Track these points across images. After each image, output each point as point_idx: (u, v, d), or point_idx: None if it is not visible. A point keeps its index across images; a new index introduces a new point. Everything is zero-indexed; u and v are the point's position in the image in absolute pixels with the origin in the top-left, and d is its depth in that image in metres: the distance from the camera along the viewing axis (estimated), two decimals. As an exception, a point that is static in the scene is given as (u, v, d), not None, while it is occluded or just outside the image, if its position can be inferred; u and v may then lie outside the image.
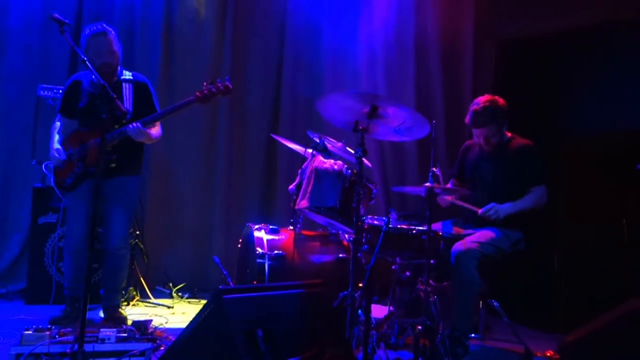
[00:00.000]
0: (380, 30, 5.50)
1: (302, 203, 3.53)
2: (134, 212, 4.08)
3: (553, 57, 5.24)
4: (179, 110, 3.80)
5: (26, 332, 2.96)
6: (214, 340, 2.46)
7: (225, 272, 4.16)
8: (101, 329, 3.06)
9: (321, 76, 5.50)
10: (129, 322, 3.67)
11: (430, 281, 3.29)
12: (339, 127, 3.39)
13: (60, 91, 4.38)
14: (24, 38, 5.00)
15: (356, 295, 3.05)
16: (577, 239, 4.78)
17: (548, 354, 3.43)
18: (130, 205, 3.97)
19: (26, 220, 4.68)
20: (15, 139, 4.91)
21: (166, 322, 4.05)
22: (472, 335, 3.59)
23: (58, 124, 3.91)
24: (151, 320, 3.47)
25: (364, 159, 3.16)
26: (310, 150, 3.77)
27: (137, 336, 3.10)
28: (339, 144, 3.69)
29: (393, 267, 3.51)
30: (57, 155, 3.77)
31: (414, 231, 3.37)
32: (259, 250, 3.77)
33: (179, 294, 4.97)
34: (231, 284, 4.13)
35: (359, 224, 3.15)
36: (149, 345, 3.07)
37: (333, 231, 4.08)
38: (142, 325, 3.24)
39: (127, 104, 3.79)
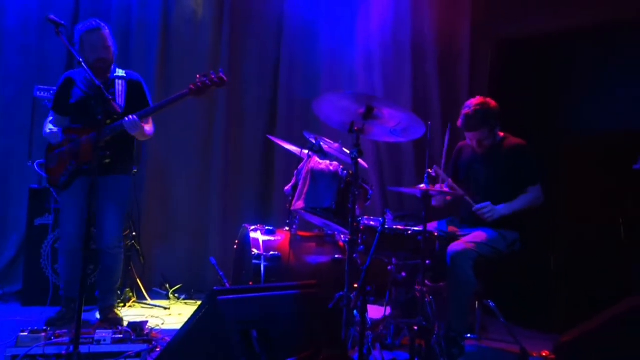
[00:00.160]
0: (376, 31, 5.50)
1: (298, 204, 3.53)
2: (127, 212, 4.07)
3: (550, 57, 5.25)
4: (173, 104, 3.80)
5: (22, 334, 2.96)
6: (209, 341, 2.46)
7: (221, 273, 4.17)
8: (97, 330, 3.06)
9: (318, 77, 5.50)
10: (125, 323, 3.67)
11: (426, 281, 3.29)
12: (335, 128, 3.39)
13: (42, 93, 4.39)
14: (21, 39, 5.00)
15: (352, 295, 3.05)
16: (573, 239, 4.79)
17: (544, 354, 3.44)
18: (123, 205, 3.95)
19: (22, 222, 4.68)
20: (12, 140, 4.90)
21: (162, 324, 4.04)
22: (468, 335, 3.60)
23: (51, 118, 3.91)
24: (147, 322, 3.47)
25: (359, 159, 3.16)
26: (306, 151, 3.78)
27: (133, 337, 3.10)
28: (336, 144, 3.69)
29: (389, 267, 3.51)
30: (54, 131, 3.75)
31: (410, 232, 3.37)
32: (255, 251, 3.77)
33: (176, 295, 4.97)
34: (227, 284, 4.13)
35: (355, 224, 3.15)
36: (144, 346, 3.07)
37: (329, 232, 4.08)
38: (138, 327, 3.24)
39: (120, 100, 3.79)
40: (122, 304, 4.49)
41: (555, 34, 5.14)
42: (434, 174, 3.37)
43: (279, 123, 5.47)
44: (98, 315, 3.95)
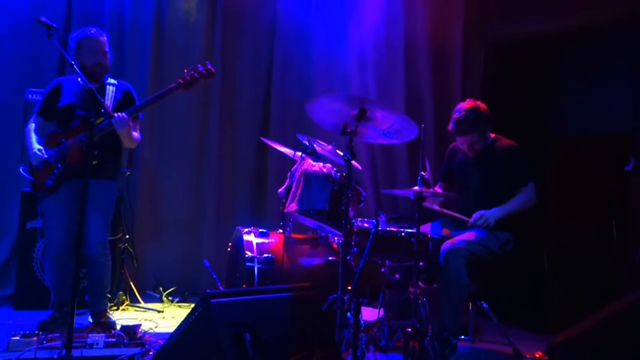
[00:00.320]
0: (369, 32, 5.51)
1: (292, 206, 3.53)
2: (112, 219, 4.03)
3: (543, 58, 5.26)
4: (162, 99, 3.81)
5: (14, 338, 2.95)
6: (203, 344, 2.45)
7: (214, 276, 4.16)
8: (89, 334, 3.05)
9: (311, 79, 5.50)
10: (118, 327, 3.65)
11: (420, 283, 3.29)
12: (329, 130, 3.39)
13: (34, 96, 4.37)
14: (12, 41, 4.97)
15: (345, 298, 3.05)
16: (566, 239, 4.80)
17: (537, 355, 3.44)
18: (108, 211, 3.90)
19: (14, 225, 4.66)
20: (3, 143, 4.87)
21: (156, 327, 4.02)
22: (462, 337, 3.60)
23: (33, 125, 3.88)
24: (140, 325, 3.47)
25: (353, 161, 3.16)
26: (299, 153, 3.78)
27: (125, 341, 3.10)
28: (329, 146, 3.69)
29: (382, 269, 3.52)
30: (39, 154, 3.72)
31: (403, 234, 3.38)
32: (249, 253, 3.77)
33: (169, 298, 4.95)
34: (221, 287, 4.13)
35: (348, 226, 3.15)
36: (137, 350, 3.06)
37: (322, 234, 4.08)
38: (131, 330, 3.23)
39: (109, 103, 3.80)
40: (115, 307, 4.47)
41: (548, 34, 5.15)
42: (427, 176, 3.37)
43: (272, 125, 5.47)
44: (90, 319, 3.92)
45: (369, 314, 3.56)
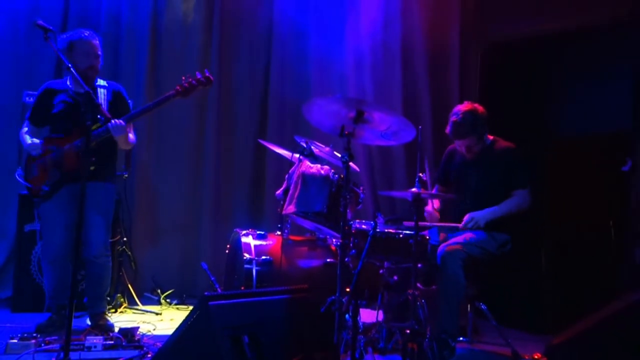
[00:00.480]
0: (366, 33, 5.50)
1: (290, 208, 3.53)
2: (112, 221, 4.03)
3: (540, 58, 5.27)
4: (160, 106, 3.80)
5: (11, 341, 2.95)
6: (200, 347, 2.45)
7: (212, 278, 4.16)
8: (87, 337, 3.05)
9: (308, 80, 5.50)
10: (116, 329, 3.65)
11: (418, 285, 3.29)
12: (326, 132, 3.39)
13: (31, 98, 4.36)
14: (9, 44, 4.98)
15: (344, 299, 3.04)
16: (564, 240, 4.81)
17: (536, 357, 3.44)
18: (108, 212, 3.92)
19: (12, 228, 4.65)
20: (0, 146, 4.87)
21: (154, 329, 4.01)
22: (460, 338, 3.60)
23: (26, 129, 3.87)
24: (138, 327, 3.46)
25: (351, 163, 3.15)
26: (297, 155, 3.77)
27: (124, 343, 3.09)
28: (327, 148, 3.69)
29: (381, 271, 3.51)
30: (35, 143, 3.71)
31: (401, 235, 3.37)
32: (247, 255, 3.76)
33: (167, 300, 4.95)
34: (219, 290, 4.12)
35: (346, 228, 3.15)
36: (136, 352, 3.06)
37: (321, 236, 4.08)
38: (129, 333, 3.23)
39: (103, 107, 3.78)
40: (113, 310, 4.47)
41: (546, 35, 5.16)
42: (425, 178, 3.37)
43: (269, 127, 5.47)
44: (88, 322, 3.92)
45: (367, 315, 3.55)
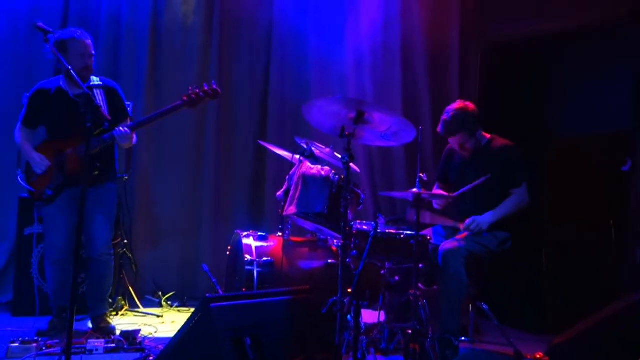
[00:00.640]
0: (366, 33, 5.50)
1: (290, 209, 3.52)
2: (115, 219, 4.04)
3: (540, 58, 5.27)
4: (167, 115, 3.79)
5: (12, 345, 2.94)
6: (202, 349, 2.45)
7: (214, 280, 4.15)
8: (89, 340, 3.05)
9: (308, 81, 5.50)
10: (118, 332, 3.64)
11: (420, 285, 3.28)
12: (326, 133, 3.39)
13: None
14: (9, 45, 4.96)
15: (345, 300, 3.04)
16: (565, 240, 4.81)
17: (538, 356, 3.44)
18: (111, 212, 3.93)
19: (12, 231, 4.64)
20: (0, 148, 4.86)
21: (155, 332, 4.00)
22: (462, 338, 3.60)
23: (22, 134, 3.86)
24: (140, 330, 3.46)
25: (351, 164, 3.15)
26: (297, 156, 3.77)
27: (125, 346, 3.10)
28: (327, 149, 3.68)
29: (382, 272, 3.51)
30: (39, 161, 3.70)
31: (402, 235, 3.37)
32: (248, 257, 3.76)
33: (169, 302, 4.94)
34: (220, 291, 4.12)
35: (347, 229, 3.15)
36: (137, 355, 3.06)
37: (322, 237, 4.07)
38: (130, 335, 3.23)
39: (103, 109, 3.77)
40: (114, 313, 4.46)
41: (546, 35, 5.16)
42: (425, 178, 3.37)
43: (270, 128, 5.46)
44: (90, 325, 3.91)
45: (369, 316, 3.56)
